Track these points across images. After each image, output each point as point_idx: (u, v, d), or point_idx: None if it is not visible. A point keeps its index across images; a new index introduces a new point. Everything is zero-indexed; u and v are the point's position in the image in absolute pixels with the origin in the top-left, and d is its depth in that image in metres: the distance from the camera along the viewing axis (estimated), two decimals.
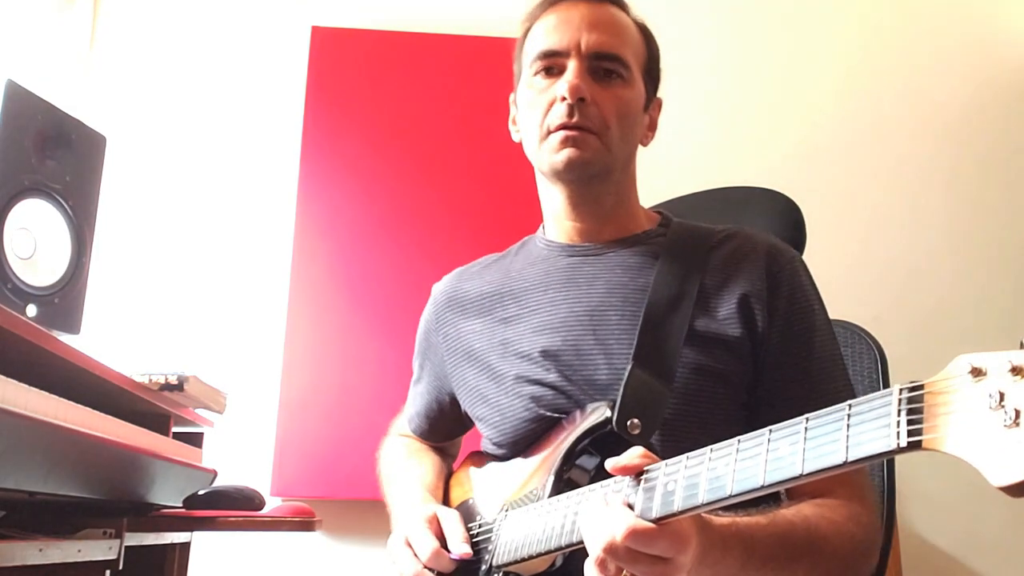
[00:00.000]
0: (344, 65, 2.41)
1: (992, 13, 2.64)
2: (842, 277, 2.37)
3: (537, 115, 1.08)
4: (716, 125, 2.53)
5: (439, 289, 1.25)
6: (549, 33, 1.10)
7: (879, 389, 1.19)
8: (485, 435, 1.14)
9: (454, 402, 1.20)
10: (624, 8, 1.15)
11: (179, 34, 2.47)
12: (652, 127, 1.18)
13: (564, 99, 1.04)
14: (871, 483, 1.03)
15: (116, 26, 2.44)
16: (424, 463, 1.23)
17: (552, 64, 1.09)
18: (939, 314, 2.40)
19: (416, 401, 1.29)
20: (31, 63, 2.13)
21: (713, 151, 2.48)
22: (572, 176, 1.08)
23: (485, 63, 2.33)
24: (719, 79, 2.57)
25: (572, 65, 1.06)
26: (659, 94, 1.18)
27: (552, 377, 1.03)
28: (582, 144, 1.05)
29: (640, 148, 1.16)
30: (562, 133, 1.05)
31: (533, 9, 1.15)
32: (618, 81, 1.08)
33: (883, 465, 1.17)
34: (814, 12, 2.62)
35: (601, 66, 1.07)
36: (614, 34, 1.09)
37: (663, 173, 2.14)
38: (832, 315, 1.28)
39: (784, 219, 1.32)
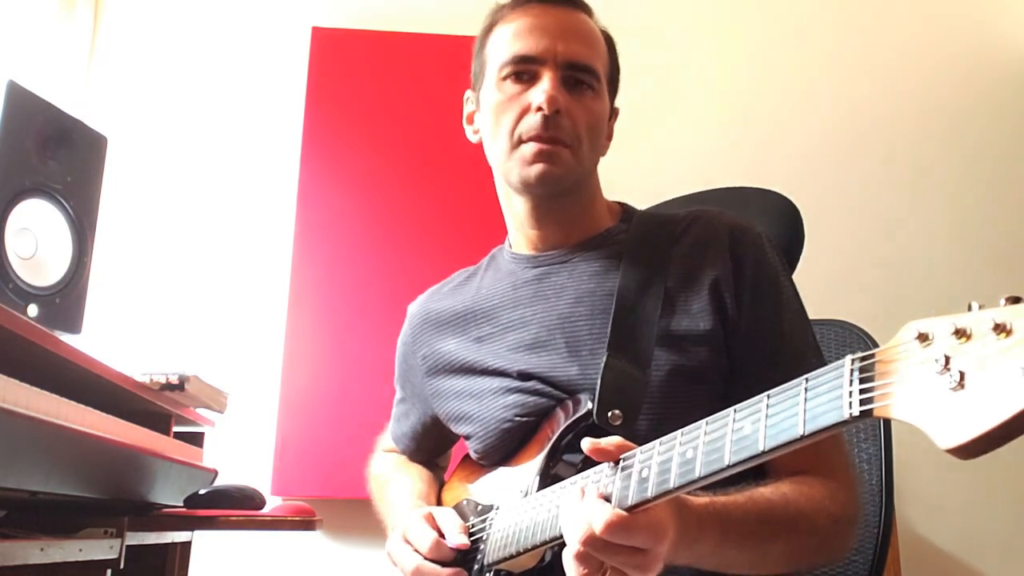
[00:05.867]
0: (344, 66, 2.42)
1: (991, 13, 2.64)
2: (842, 277, 2.38)
3: (507, 122, 1.06)
4: (716, 125, 2.53)
5: (413, 311, 1.24)
6: (522, 37, 1.07)
7: None
8: (471, 448, 1.14)
9: (438, 421, 1.19)
10: (592, 16, 1.13)
11: (180, 35, 2.48)
12: (609, 136, 1.16)
13: (540, 109, 1.02)
14: (850, 460, 1.04)
15: (117, 27, 2.45)
16: (413, 474, 1.23)
17: (525, 70, 1.06)
18: (937, 314, 2.39)
19: (401, 422, 1.29)
20: (33, 66, 2.13)
21: (713, 151, 2.49)
22: (543, 191, 1.06)
23: None
24: (719, 79, 2.57)
25: (548, 75, 1.04)
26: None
27: (530, 385, 1.03)
28: (555, 160, 1.03)
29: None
30: (535, 146, 1.03)
31: (499, 8, 1.12)
32: (589, 92, 1.06)
33: (882, 464, 1.17)
34: (813, 13, 2.62)
35: (574, 76, 1.05)
36: (588, 44, 1.07)
37: (663, 173, 2.15)
38: (831, 315, 1.29)
39: (781, 219, 1.32)
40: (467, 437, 1.13)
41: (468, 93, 1.18)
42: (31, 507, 1.10)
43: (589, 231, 1.12)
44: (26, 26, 2.14)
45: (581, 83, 1.06)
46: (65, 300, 1.30)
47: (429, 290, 1.27)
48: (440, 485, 1.23)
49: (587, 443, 0.78)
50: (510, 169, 1.07)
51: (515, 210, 1.13)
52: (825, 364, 1.01)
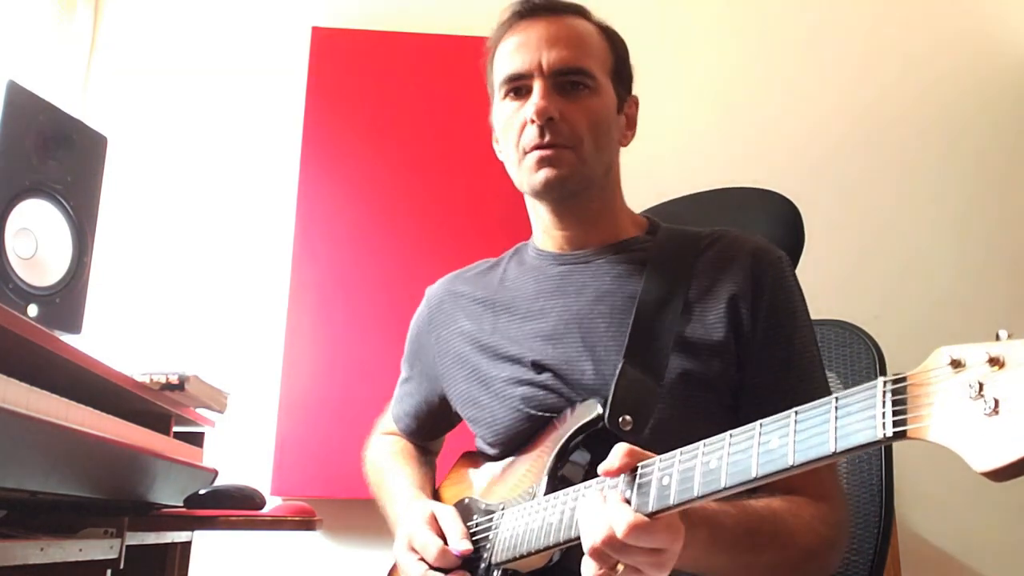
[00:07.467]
0: (344, 65, 2.42)
1: (992, 14, 2.64)
2: (841, 277, 2.38)
3: (511, 138, 1.11)
4: (716, 125, 2.53)
5: (433, 292, 1.27)
6: (511, 56, 1.12)
7: None
8: (478, 434, 1.16)
9: (443, 402, 1.22)
10: (584, 15, 1.16)
11: (179, 35, 2.48)
12: (631, 126, 1.19)
13: (533, 121, 1.06)
14: (840, 483, 1.06)
15: (117, 28, 2.45)
16: (410, 463, 1.26)
17: (519, 86, 1.11)
18: (937, 314, 2.40)
19: (404, 401, 1.31)
20: (33, 67, 2.13)
21: (713, 151, 2.49)
22: (553, 195, 1.11)
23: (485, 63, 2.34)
24: (719, 79, 2.57)
25: (537, 86, 1.08)
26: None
27: (542, 378, 1.05)
28: (557, 162, 1.07)
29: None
30: (537, 153, 1.07)
31: (495, 32, 1.18)
32: (585, 92, 1.09)
33: (882, 465, 1.17)
34: (814, 13, 2.62)
35: (566, 80, 1.09)
36: (574, 47, 1.10)
37: (663, 173, 2.14)
38: (831, 315, 1.29)
39: (782, 220, 1.32)
40: (474, 422, 1.15)
41: (491, 116, 1.21)
42: (31, 507, 1.10)
43: (614, 235, 1.15)
44: (26, 26, 2.14)
45: (577, 85, 1.09)
46: (65, 300, 1.30)
47: (451, 274, 1.29)
48: (433, 471, 1.26)
49: (603, 468, 0.80)
50: (522, 180, 1.12)
51: (540, 214, 1.17)
52: (829, 388, 1.04)
